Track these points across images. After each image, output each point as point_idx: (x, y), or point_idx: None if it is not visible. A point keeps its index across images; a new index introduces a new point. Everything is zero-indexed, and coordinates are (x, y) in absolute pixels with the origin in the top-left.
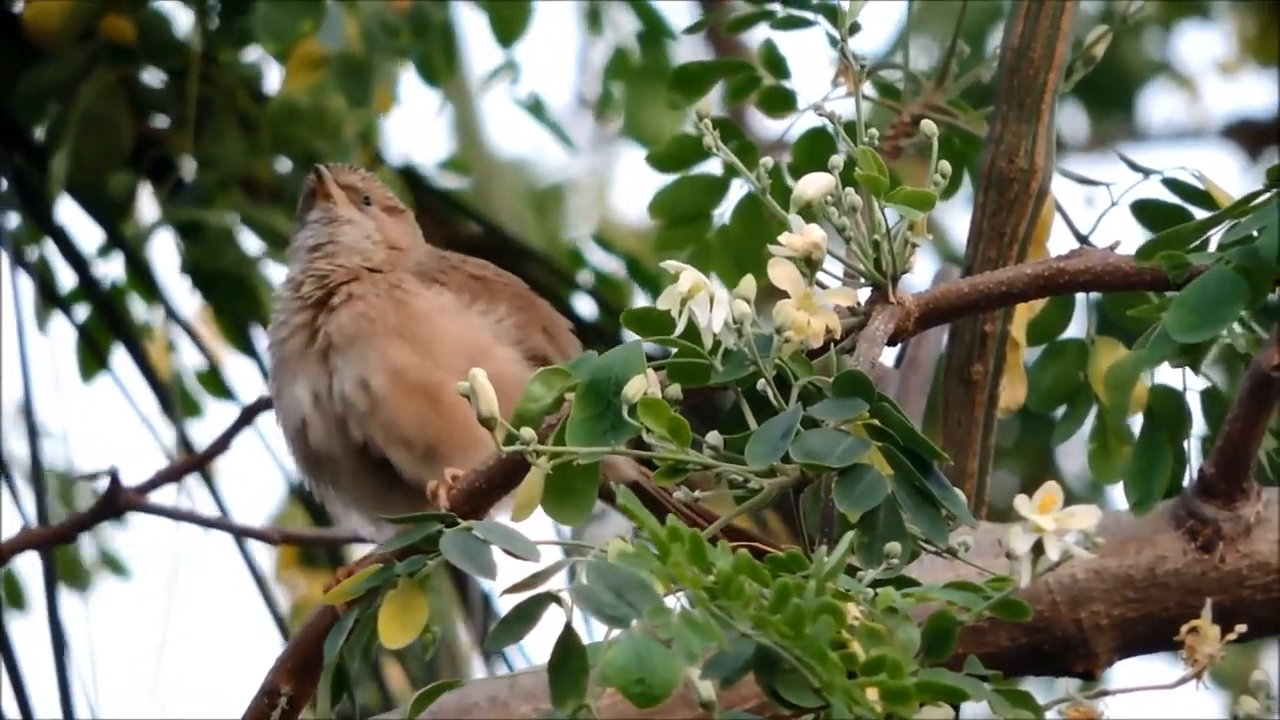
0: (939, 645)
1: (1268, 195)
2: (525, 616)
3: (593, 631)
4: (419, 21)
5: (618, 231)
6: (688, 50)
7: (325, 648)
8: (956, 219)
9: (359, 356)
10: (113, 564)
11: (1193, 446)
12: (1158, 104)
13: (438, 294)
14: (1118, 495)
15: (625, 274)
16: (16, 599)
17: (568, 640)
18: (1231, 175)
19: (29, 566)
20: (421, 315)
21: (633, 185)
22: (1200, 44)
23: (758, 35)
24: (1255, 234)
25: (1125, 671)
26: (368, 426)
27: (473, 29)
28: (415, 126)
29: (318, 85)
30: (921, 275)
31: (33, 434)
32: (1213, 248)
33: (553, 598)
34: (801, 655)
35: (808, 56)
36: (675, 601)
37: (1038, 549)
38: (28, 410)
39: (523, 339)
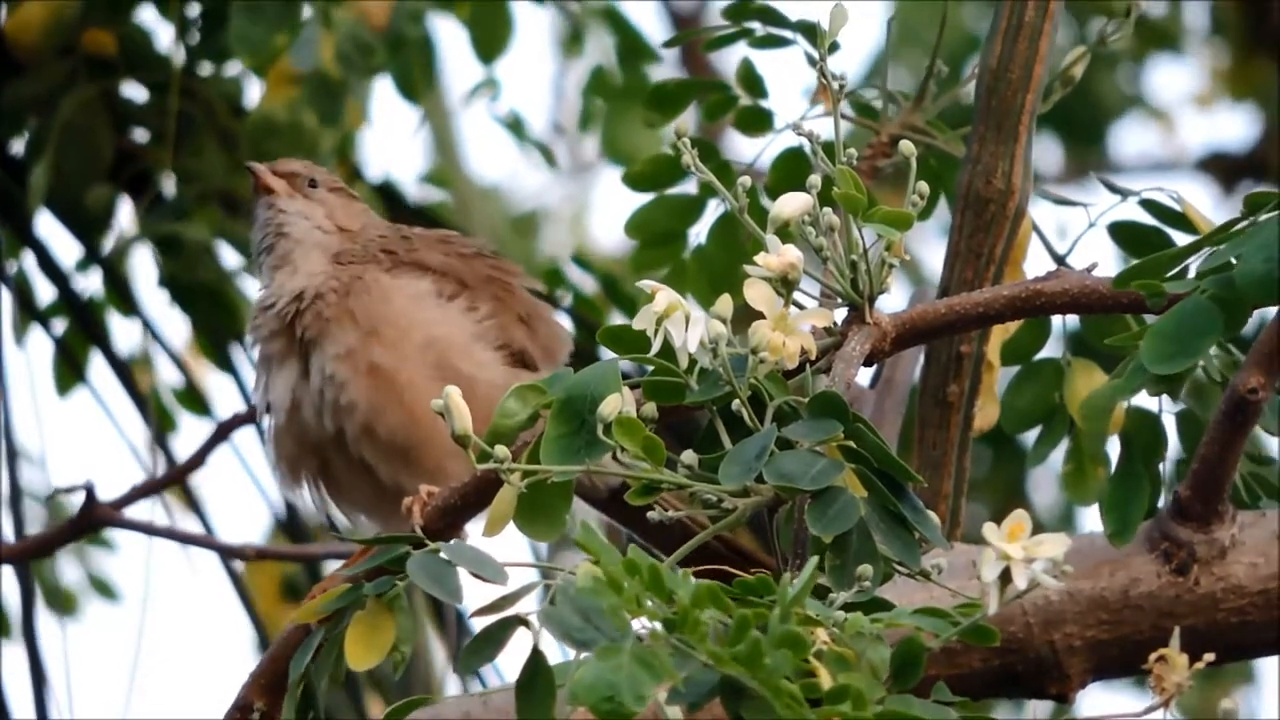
0: (908, 671)
1: (1245, 223)
2: (494, 639)
3: (566, 649)
4: (395, 40)
5: (594, 258)
6: (661, 72)
7: (291, 666)
8: (928, 243)
9: (331, 351)
10: (100, 587)
11: (1167, 469)
12: (1132, 137)
13: (415, 280)
14: (1090, 519)
15: (602, 293)
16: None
17: (535, 661)
18: (1207, 208)
19: (7, 584)
20: (396, 312)
21: (608, 212)
22: (1173, 78)
23: (731, 58)
24: (1233, 261)
25: (1093, 700)
26: (342, 421)
27: (451, 48)
28: (394, 143)
29: (295, 101)
30: (894, 300)
31: (10, 449)
32: (1191, 274)
33: (521, 620)
34: (759, 687)
35: (783, 76)
36: (641, 625)
37: (1007, 576)
38: (4, 425)
39: (503, 338)
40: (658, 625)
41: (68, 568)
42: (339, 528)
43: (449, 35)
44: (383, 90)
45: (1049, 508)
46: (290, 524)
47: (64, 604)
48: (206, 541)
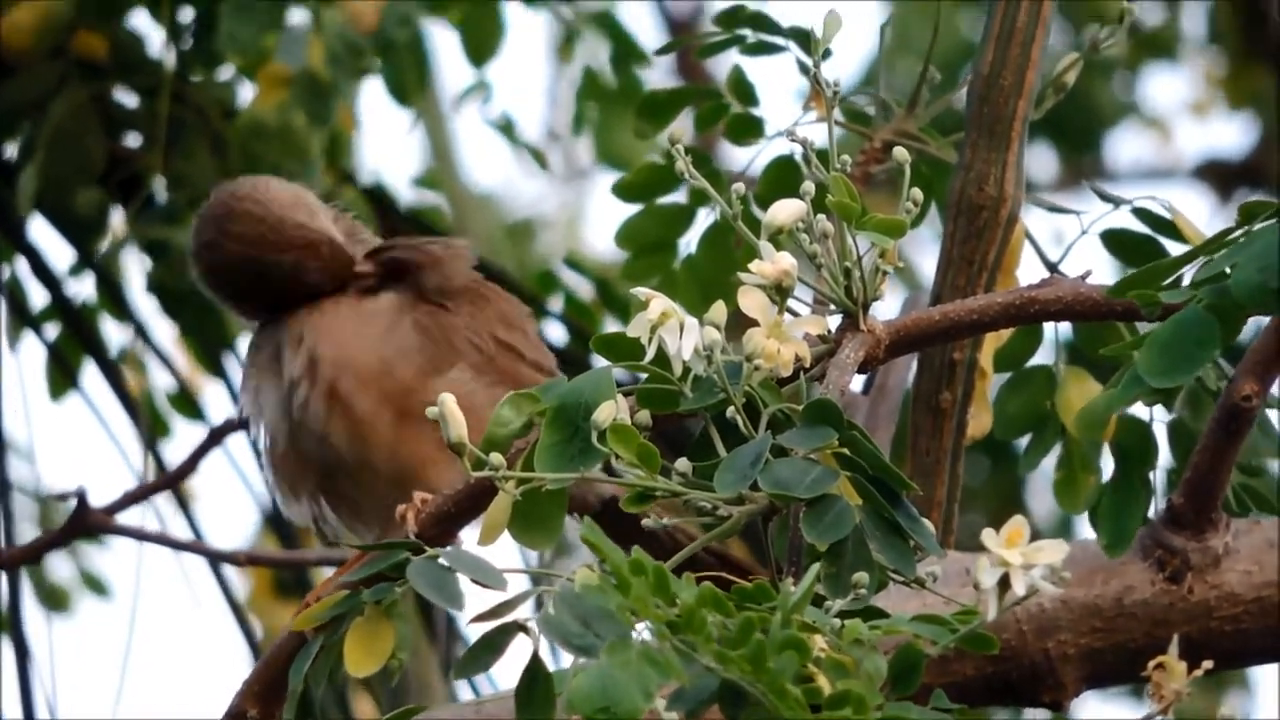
0: (906, 678)
1: (1239, 232)
2: (492, 646)
3: (559, 658)
4: (384, 42)
5: (587, 262)
6: (656, 77)
7: (290, 674)
8: (922, 249)
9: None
10: (92, 583)
11: (1159, 477)
12: (1127, 145)
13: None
14: (1087, 526)
15: (596, 297)
16: None
17: (534, 669)
18: (1202, 216)
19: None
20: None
21: (602, 219)
22: (1169, 85)
23: (726, 63)
24: (1227, 270)
25: (1089, 709)
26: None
27: (445, 52)
28: (387, 148)
29: (284, 104)
30: (887, 306)
31: (1, 452)
32: (1186, 283)
33: (520, 627)
34: (763, 691)
35: (773, 84)
36: (643, 630)
37: (1004, 583)
38: None
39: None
40: (663, 626)
41: (59, 564)
42: (332, 535)
43: (442, 39)
44: (375, 94)
45: (1046, 515)
46: (278, 520)
47: (55, 601)
48: (199, 548)
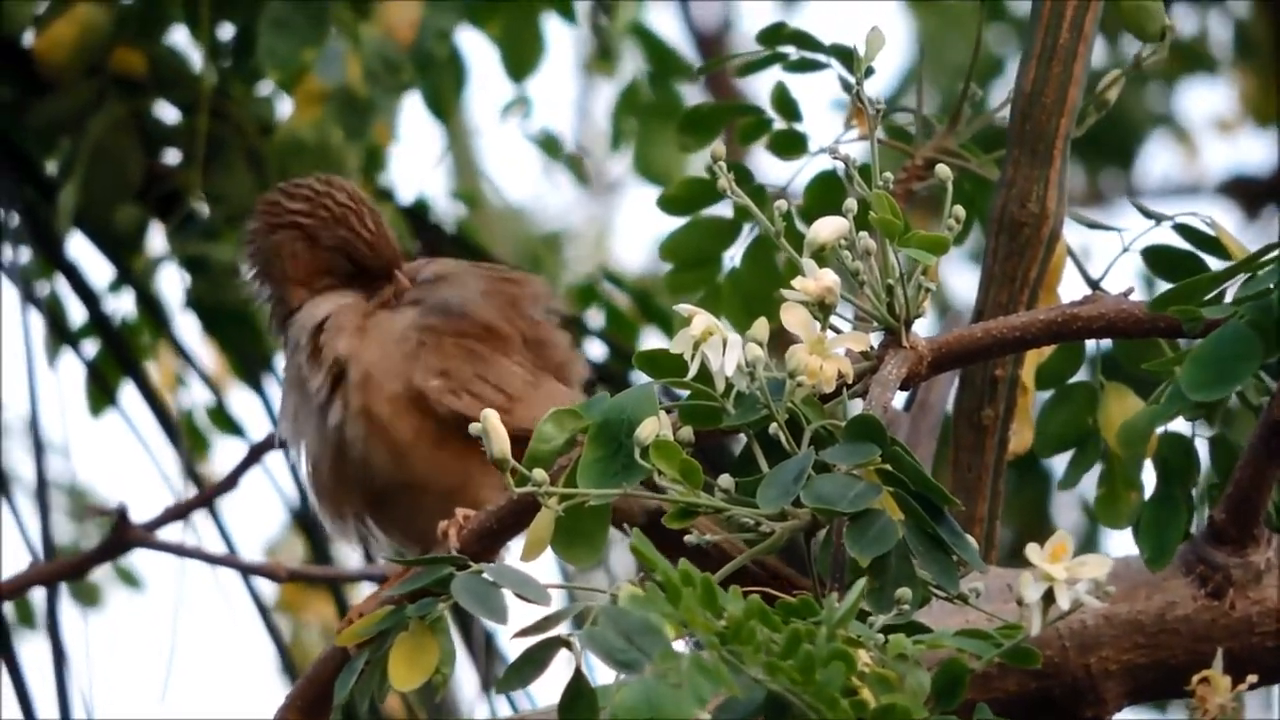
0: (950, 693)
1: None
2: (535, 660)
3: (595, 674)
4: (421, 58)
5: (626, 276)
6: (687, 93)
7: (335, 689)
8: (954, 268)
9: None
10: (126, 576)
11: (1198, 493)
12: (1155, 159)
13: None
14: (1114, 542)
15: (635, 309)
16: (26, 618)
17: (577, 684)
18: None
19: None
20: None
21: (632, 233)
22: (1201, 100)
23: (756, 79)
24: (1271, 287)
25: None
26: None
27: (476, 66)
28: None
29: (321, 120)
30: (925, 324)
31: (40, 466)
32: (1228, 299)
33: (563, 642)
34: (812, 701)
35: (811, 97)
36: (684, 646)
37: (1048, 597)
38: (36, 442)
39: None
40: (712, 637)
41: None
42: (372, 551)
43: (475, 52)
44: (414, 110)
45: (1072, 530)
46: (305, 519)
47: (89, 597)
48: (238, 563)
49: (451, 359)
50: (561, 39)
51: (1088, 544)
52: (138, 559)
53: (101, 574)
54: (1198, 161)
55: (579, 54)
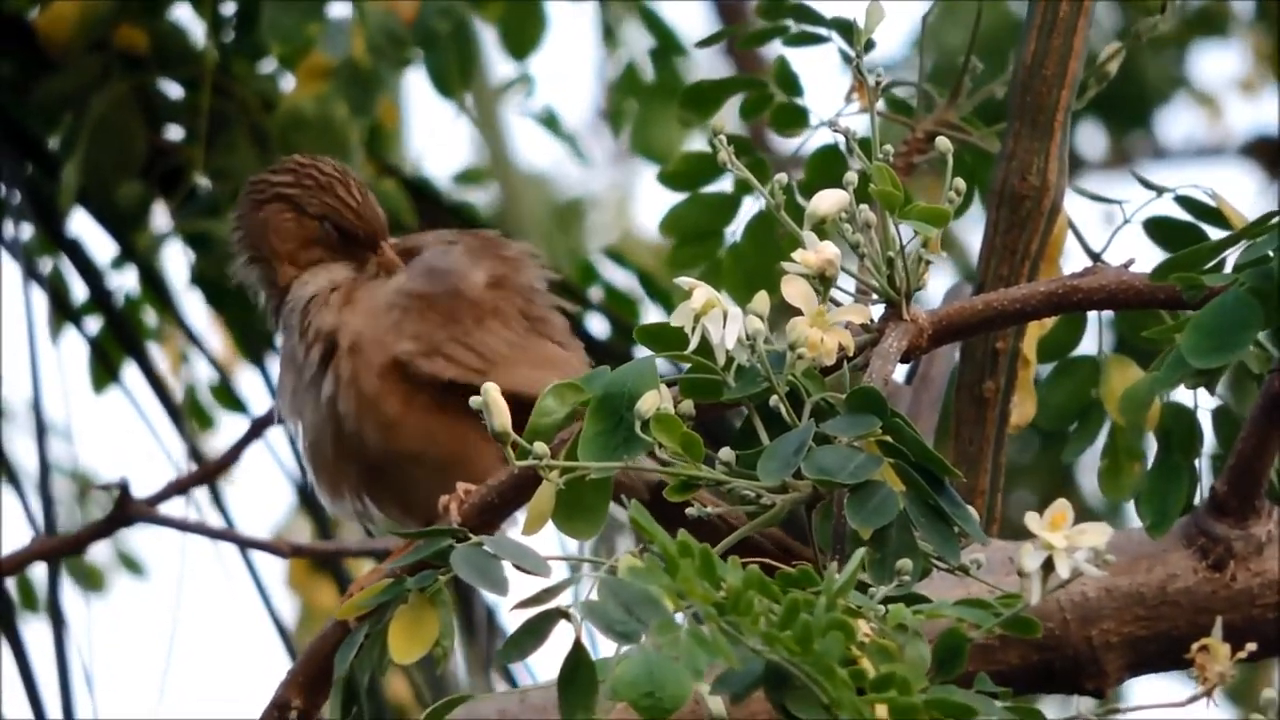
0: (950, 663)
1: None
2: (534, 632)
3: (597, 647)
4: (424, 33)
5: (638, 246)
6: (707, 62)
7: (335, 662)
8: (975, 233)
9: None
10: (129, 563)
11: (1203, 464)
12: (1177, 121)
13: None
14: (1131, 512)
15: (638, 289)
16: (29, 600)
17: (577, 656)
18: (1250, 193)
19: (39, 569)
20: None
21: (654, 200)
22: (1218, 62)
23: (776, 51)
24: (1270, 254)
25: (1137, 690)
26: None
27: (493, 39)
28: (432, 139)
29: (324, 95)
30: (935, 289)
31: (42, 444)
32: (1228, 268)
33: (562, 614)
34: (810, 671)
35: (817, 72)
36: (683, 618)
37: (1048, 566)
38: (38, 420)
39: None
40: (710, 608)
41: (96, 547)
42: (372, 527)
43: (486, 27)
44: (420, 86)
45: (1097, 491)
46: (312, 501)
47: (92, 581)
48: (241, 539)
49: (427, 323)
50: (579, 7)
51: (1112, 508)
52: (140, 542)
53: (104, 558)
54: (1221, 123)
55: (595, 22)
